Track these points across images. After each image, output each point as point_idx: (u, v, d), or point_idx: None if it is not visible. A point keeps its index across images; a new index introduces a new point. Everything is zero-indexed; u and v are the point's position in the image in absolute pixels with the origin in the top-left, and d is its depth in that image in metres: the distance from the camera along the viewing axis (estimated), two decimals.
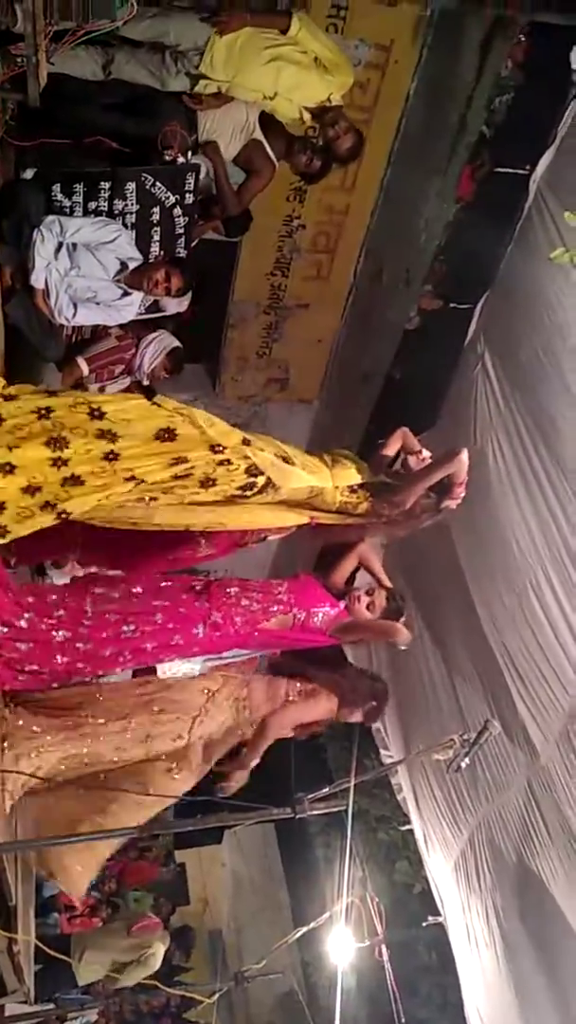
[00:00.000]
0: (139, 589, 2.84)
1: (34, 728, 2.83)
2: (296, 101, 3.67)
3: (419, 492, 3.00)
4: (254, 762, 3.07)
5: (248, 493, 2.72)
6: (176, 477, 2.57)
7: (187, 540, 3.12)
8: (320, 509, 2.97)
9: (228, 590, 2.93)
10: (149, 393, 3.18)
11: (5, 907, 2.73)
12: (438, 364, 5.31)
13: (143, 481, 2.51)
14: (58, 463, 2.38)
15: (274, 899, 9.95)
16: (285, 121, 3.82)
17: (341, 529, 3.09)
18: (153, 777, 2.92)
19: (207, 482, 2.62)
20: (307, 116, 3.75)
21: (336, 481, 2.92)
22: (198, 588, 2.92)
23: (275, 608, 2.96)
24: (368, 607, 3.09)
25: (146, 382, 4.13)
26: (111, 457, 2.45)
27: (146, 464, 2.51)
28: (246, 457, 2.66)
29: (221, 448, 2.62)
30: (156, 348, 4.14)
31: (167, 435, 2.55)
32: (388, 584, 3.23)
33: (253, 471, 2.67)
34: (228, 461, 2.63)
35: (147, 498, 2.58)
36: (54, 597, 2.75)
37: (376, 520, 3.04)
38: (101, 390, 3.99)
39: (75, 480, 2.40)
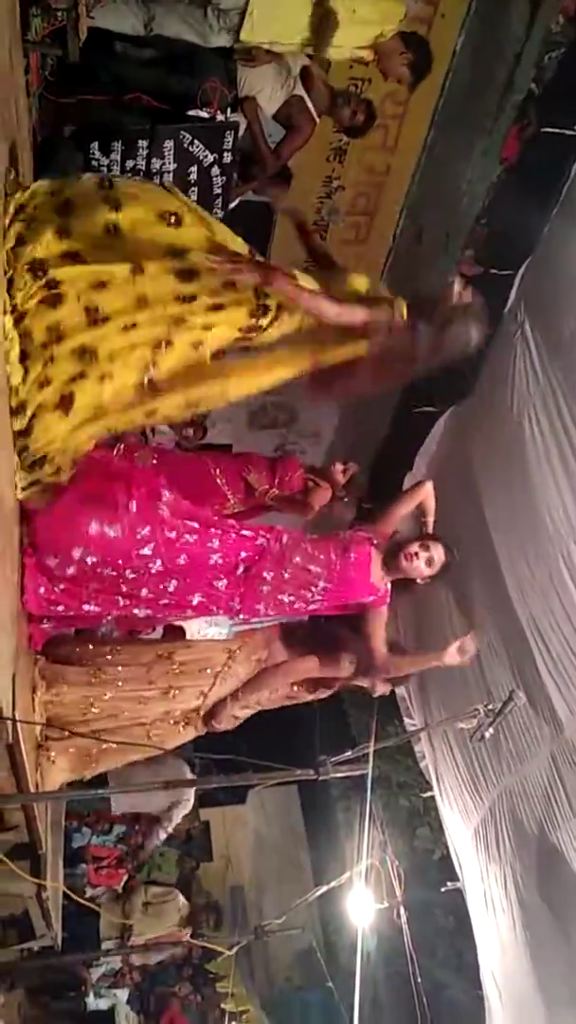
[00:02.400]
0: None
1: (61, 673, 2.94)
2: (347, 46, 3.57)
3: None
4: (239, 705, 3.08)
5: (262, 322, 2.46)
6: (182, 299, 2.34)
7: (213, 493, 3.15)
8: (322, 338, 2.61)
9: (262, 587, 2.85)
10: None
11: (36, 855, 2.84)
12: None
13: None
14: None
15: (295, 859, 10.18)
16: (342, 62, 3.68)
17: (347, 371, 2.67)
18: (159, 727, 3.02)
19: (216, 308, 2.37)
20: (364, 54, 3.62)
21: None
22: (239, 570, 2.84)
23: (309, 607, 2.97)
24: (428, 563, 2.98)
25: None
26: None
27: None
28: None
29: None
30: None
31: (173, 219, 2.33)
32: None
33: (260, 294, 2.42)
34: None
35: (162, 342, 2.34)
36: None
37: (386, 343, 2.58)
38: None
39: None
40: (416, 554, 2.97)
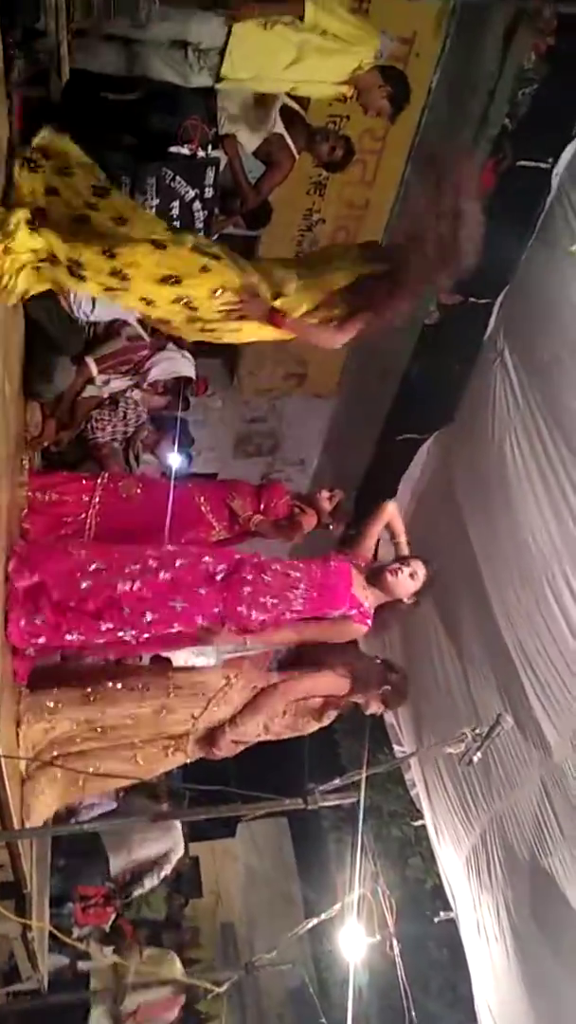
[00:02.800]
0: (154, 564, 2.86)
1: (49, 701, 2.91)
2: (328, 81, 3.63)
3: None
4: (237, 728, 3.07)
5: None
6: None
7: (198, 522, 3.18)
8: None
9: (244, 589, 2.90)
10: None
11: (20, 894, 2.78)
12: (457, 359, 5.32)
13: None
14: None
15: (286, 893, 10.02)
16: (323, 99, 3.76)
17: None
18: (146, 750, 2.99)
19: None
20: (344, 89, 3.68)
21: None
22: (219, 576, 2.91)
23: (292, 609, 2.99)
24: (412, 576, 3.09)
25: (144, 407, 4.19)
26: None
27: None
28: None
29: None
30: (168, 368, 4.19)
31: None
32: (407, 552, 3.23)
33: None
34: None
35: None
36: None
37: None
38: (105, 383, 4.05)
39: None
40: (399, 569, 3.07)
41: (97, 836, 6.28)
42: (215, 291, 2.66)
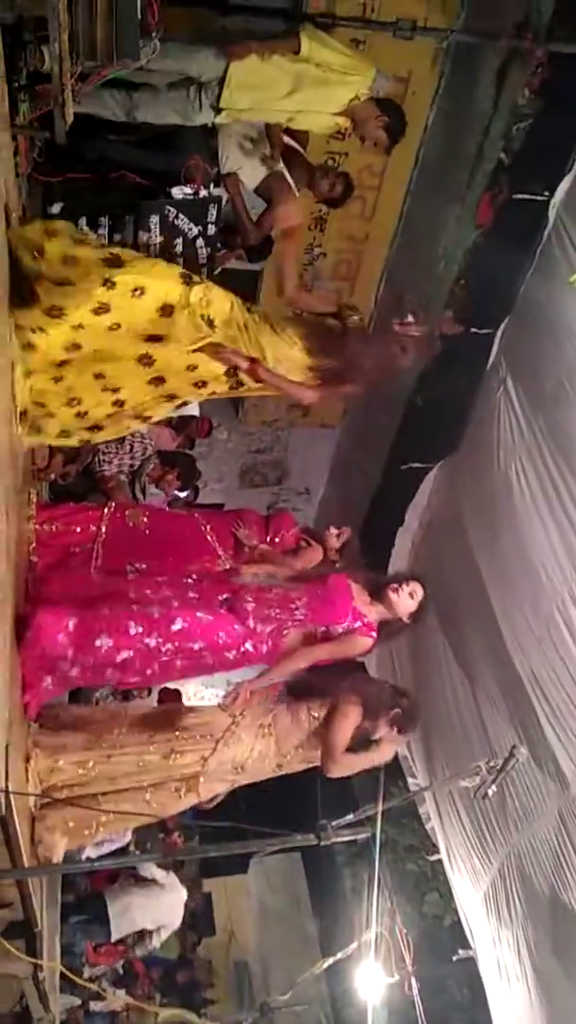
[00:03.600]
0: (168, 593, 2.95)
1: (56, 739, 2.91)
2: (325, 111, 3.70)
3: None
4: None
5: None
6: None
7: (204, 551, 3.18)
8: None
9: (246, 605, 2.99)
10: None
11: (31, 933, 2.71)
12: (460, 389, 5.32)
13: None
14: None
15: (301, 930, 9.79)
16: (320, 132, 3.85)
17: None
18: (158, 793, 2.94)
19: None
20: (341, 120, 3.76)
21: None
22: (223, 599, 3.00)
23: (289, 625, 3.00)
24: (411, 596, 3.14)
25: (153, 437, 4.22)
26: None
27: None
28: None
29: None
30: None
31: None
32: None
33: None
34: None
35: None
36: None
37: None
38: None
39: None
40: (400, 588, 3.13)
41: (102, 899, 6.17)
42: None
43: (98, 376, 2.95)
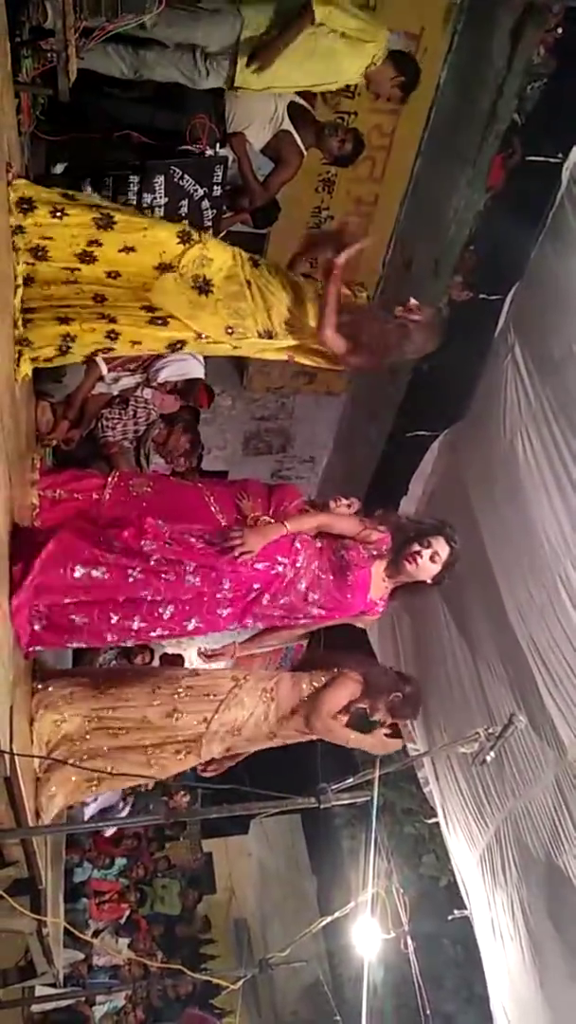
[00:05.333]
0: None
1: (62, 693, 2.92)
2: (341, 82, 3.68)
3: (330, 317, 3.06)
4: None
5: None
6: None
7: (207, 521, 3.18)
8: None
9: (255, 610, 2.84)
10: None
11: (35, 890, 2.78)
12: (467, 356, 5.27)
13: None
14: None
15: (300, 890, 10.02)
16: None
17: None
18: (158, 754, 2.99)
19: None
20: (359, 80, 3.70)
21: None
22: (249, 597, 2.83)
23: (300, 623, 2.96)
24: (432, 559, 2.84)
25: (156, 402, 4.19)
26: None
27: None
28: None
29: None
30: (178, 369, 4.17)
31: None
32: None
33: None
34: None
35: None
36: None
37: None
38: (115, 380, 4.06)
39: None
40: (419, 553, 2.83)
41: None
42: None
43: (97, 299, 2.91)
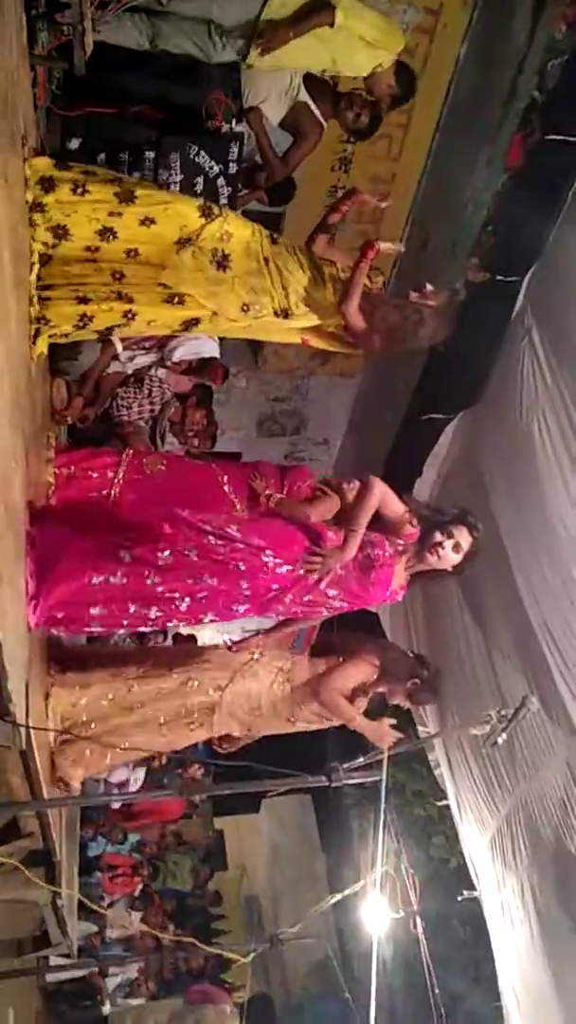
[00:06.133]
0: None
1: (78, 677, 2.96)
2: (351, 73, 3.71)
3: (355, 293, 3.05)
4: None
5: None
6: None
7: (220, 501, 3.16)
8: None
9: (277, 607, 2.78)
10: None
11: (51, 862, 2.82)
12: (484, 338, 5.22)
13: None
14: None
15: (310, 869, 10.11)
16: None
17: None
18: (172, 727, 3.01)
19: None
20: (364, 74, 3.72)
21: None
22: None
23: (324, 613, 2.93)
24: (456, 549, 2.79)
25: (170, 382, 4.18)
26: None
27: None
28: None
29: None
30: (193, 348, 4.15)
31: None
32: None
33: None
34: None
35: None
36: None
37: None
38: (130, 359, 4.05)
39: None
40: (441, 544, 2.78)
41: None
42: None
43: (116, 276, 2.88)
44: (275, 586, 2.70)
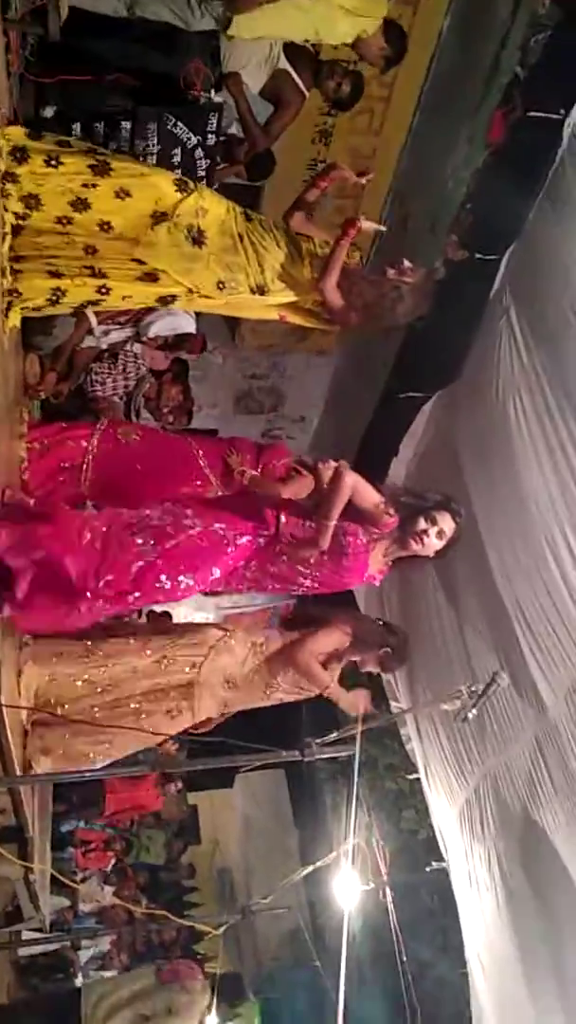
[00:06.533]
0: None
1: (51, 650, 2.95)
2: (331, 40, 3.67)
3: (335, 270, 3.05)
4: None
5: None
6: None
7: (195, 476, 3.16)
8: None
9: (244, 577, 2.82)
10: None
11: (23, 838, 2.84)
12: (462, 317, 5.22)
13: None
14: None
15: (283, 843, 10.24)
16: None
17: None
18: (154, 718, 3.02)
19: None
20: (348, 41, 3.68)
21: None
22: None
23: (298, 591, 2.95)
24: (439, 536, 2.81)
25: (144, 360, 4.14)
26: None
27: None
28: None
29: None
30: (169, 324, 4.12)
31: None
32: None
33: None
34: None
35: None
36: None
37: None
38: (104, 334, 4.01)
39: None
40: (426, 531, 2.79)
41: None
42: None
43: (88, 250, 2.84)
44: (236, 553, 2.74)
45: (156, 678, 3.04)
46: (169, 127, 3.39)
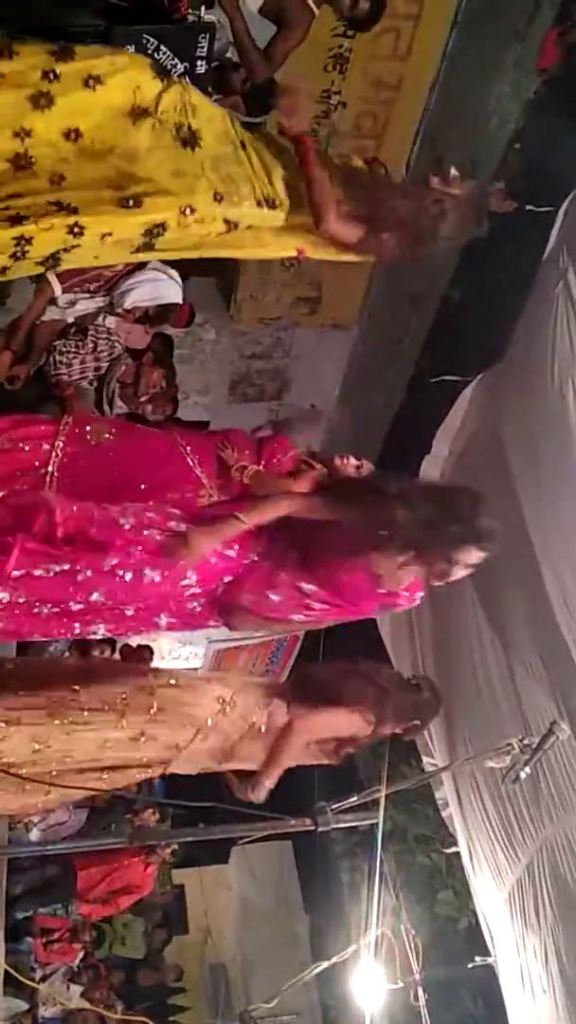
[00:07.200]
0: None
1: (7, 707, 2.93)
2: None
3: (327, 202, 3.00)
4: (271, 778, 3.08)
5: None
6: None
7: (184, 479, 3.17)
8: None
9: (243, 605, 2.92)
10: None
11: None
12: (508, 282, 5.26)
13: None
14: None
15: (289, 931, 10.22)
16: None
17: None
18: (114, 774, 3.04)
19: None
20: None
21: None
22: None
23: (305, 624, 2.98)
24: (465, 568, 2.85)
25: (121, 333, 4.15)
26: None
27: None
28: None
29: None
30: (150, 292, 4.14)
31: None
32: None
33: None
34: None
35: None
36: None
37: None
38: (70, 304, 4.02)
39: None
40: (447, 572, 2.86)
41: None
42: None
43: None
44: (226, 578, 2.81)
45: (130, 752, 3.02)
46: (150, 51, 3.40)
